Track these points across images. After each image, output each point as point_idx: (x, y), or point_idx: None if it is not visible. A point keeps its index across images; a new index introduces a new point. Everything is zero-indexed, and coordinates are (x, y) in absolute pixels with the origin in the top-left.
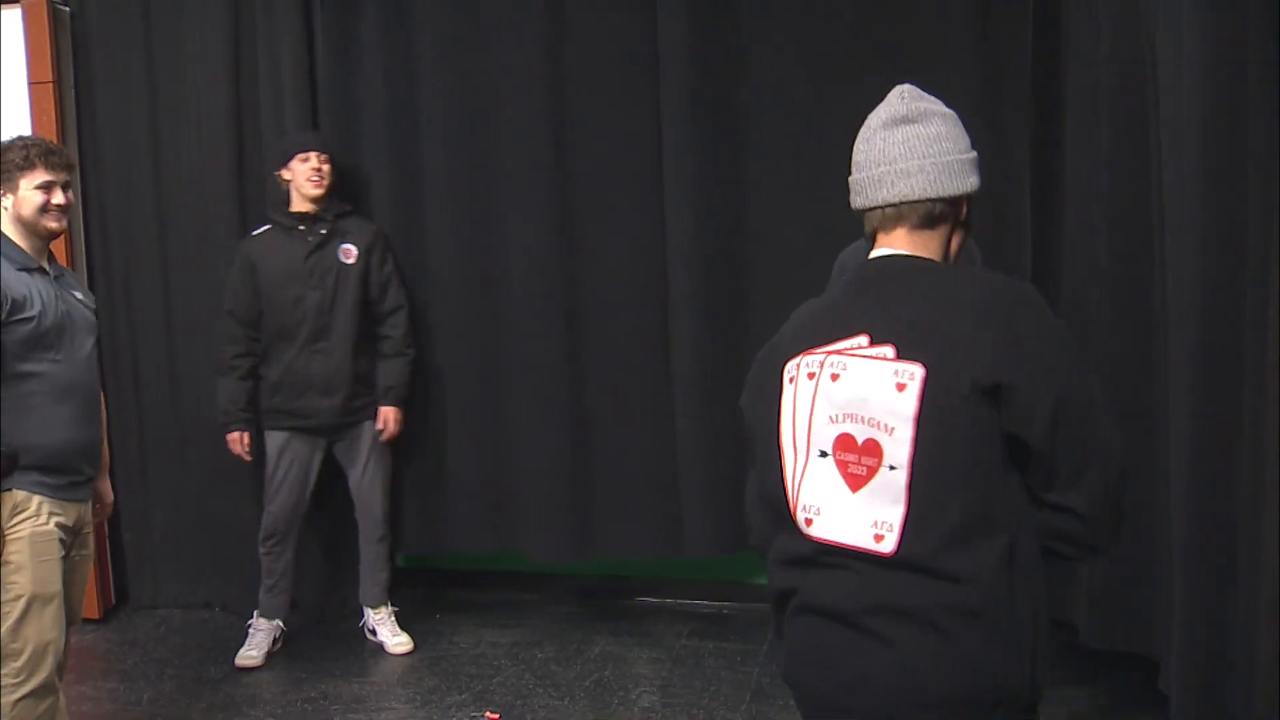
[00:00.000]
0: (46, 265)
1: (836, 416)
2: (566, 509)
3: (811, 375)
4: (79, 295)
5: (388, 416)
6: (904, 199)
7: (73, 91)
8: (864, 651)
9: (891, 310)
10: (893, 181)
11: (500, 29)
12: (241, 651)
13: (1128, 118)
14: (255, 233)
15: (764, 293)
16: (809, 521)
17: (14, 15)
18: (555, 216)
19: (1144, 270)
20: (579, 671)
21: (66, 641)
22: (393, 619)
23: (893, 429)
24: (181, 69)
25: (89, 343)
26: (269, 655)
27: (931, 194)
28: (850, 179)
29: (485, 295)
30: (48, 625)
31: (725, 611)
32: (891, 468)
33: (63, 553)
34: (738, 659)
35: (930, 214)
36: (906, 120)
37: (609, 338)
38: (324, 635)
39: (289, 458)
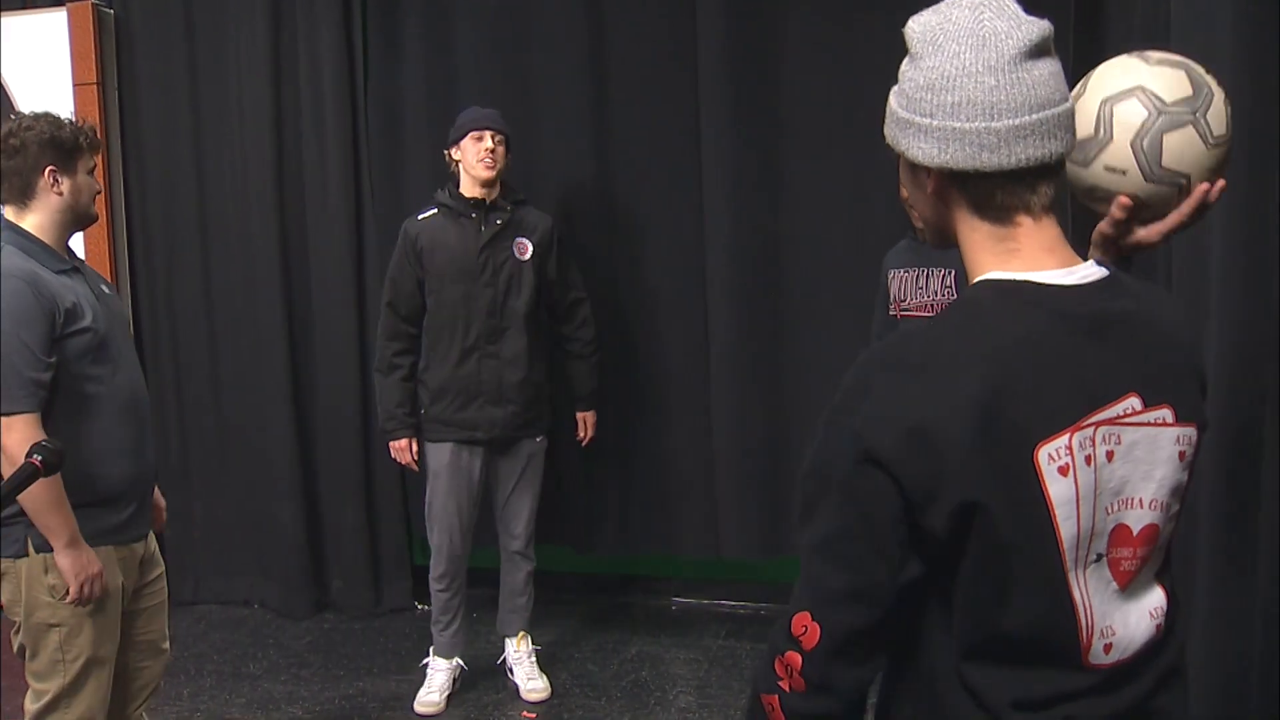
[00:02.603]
0: (73, 261)
1: (1112, 506)
2: (607, 505)
3: (1089, 459)
4: (106, 289)
5: (587, 422)
6: (1064, 154)
7: (116, 93)
8: None
9: (1152, 359)
10: (1052, 133)
11: (541, 27)
12: (421, 695)
13: None
14: (420, 216)
15: (802, 292)
16: (1107, 648)
17: (59, 18)
18: (595, 214)
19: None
20: (616, 672)
21: (154, 669)
22: (533, 658)
23: (1169, 506)
24: (223, 69)
25: (131, 344)
26: (447, 697)
27: (1069, 152)
28: (967, 126)
29: None
30: (102, 687)
31: (763, 612)
32: (1159, 548)
33: (125, 605)
34: None
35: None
36: (1044, 50)
37: (647, 337)
38: (363, 632)
39: (454, 476)
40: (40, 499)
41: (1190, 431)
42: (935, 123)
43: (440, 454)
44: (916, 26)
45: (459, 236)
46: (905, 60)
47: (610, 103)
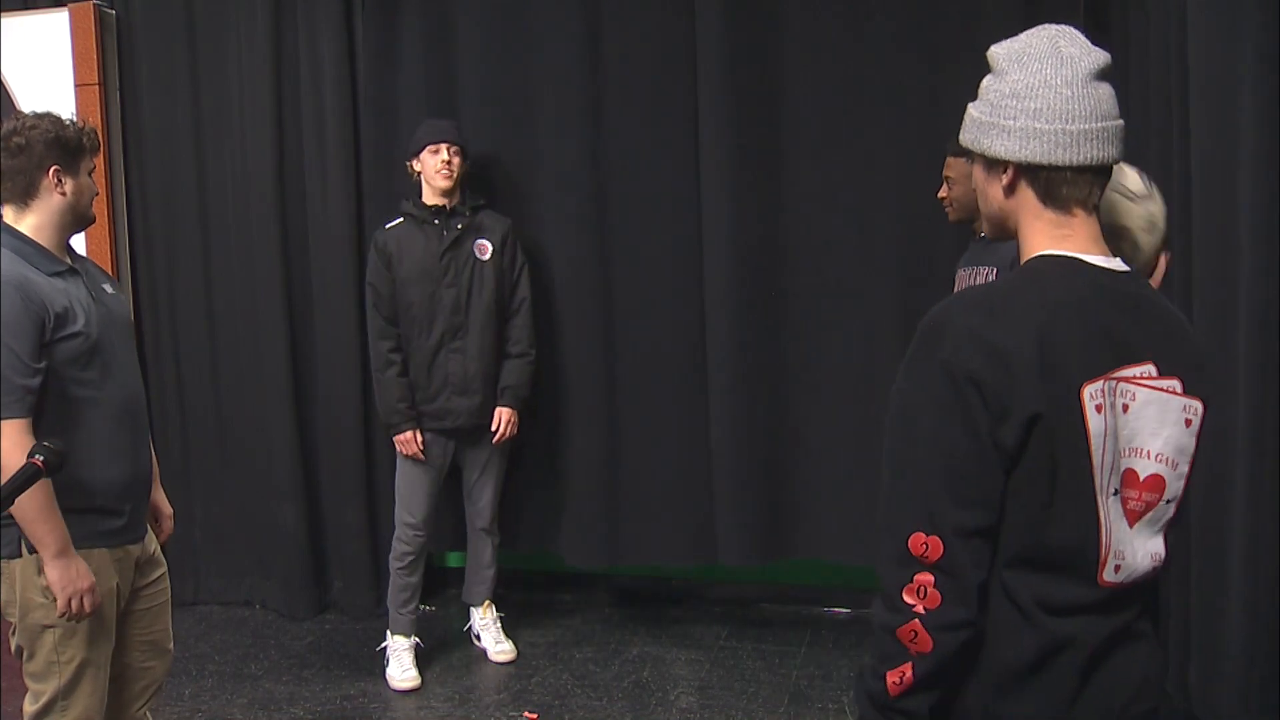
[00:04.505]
0: (72, 262)
1: (1124, 451)
2: (600, 513)
3: (1113, 405)
4: (109, 289)
5: (502, 417)
6: (1117, 160)
7: (118, 93)
8: (1140, 655)
9: (1167, 337)
10: (1111, 140)
11: (539, 27)
12: (397, 674)
13: (1168, 117)
14: (388, 226)
15: (801, 294)
16: (1118, 569)
17: (61, 19)
18: (592, 215)
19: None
20: (617, 672)
21: (158, 669)
22: (498, 624)
23: (1177, 464)
24: (224, 71)
25: (131, 346)
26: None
27: (1120, 160)
28: (1046, 127)
29: None
30: (99, 689)
31: (764, 613)
32: (1168, 501)
33: (121, 606)
34: (776, 660)
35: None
36: (1106, 75)
37: (644, 340)
38: (364, 633)
39: (423, 462)
40: (29, 508)
41: (1196, 404)
42: (1018, 124)
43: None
44: (1000, 50)
45: (423, 242)
46: (988, 77)
47: (608, 105)
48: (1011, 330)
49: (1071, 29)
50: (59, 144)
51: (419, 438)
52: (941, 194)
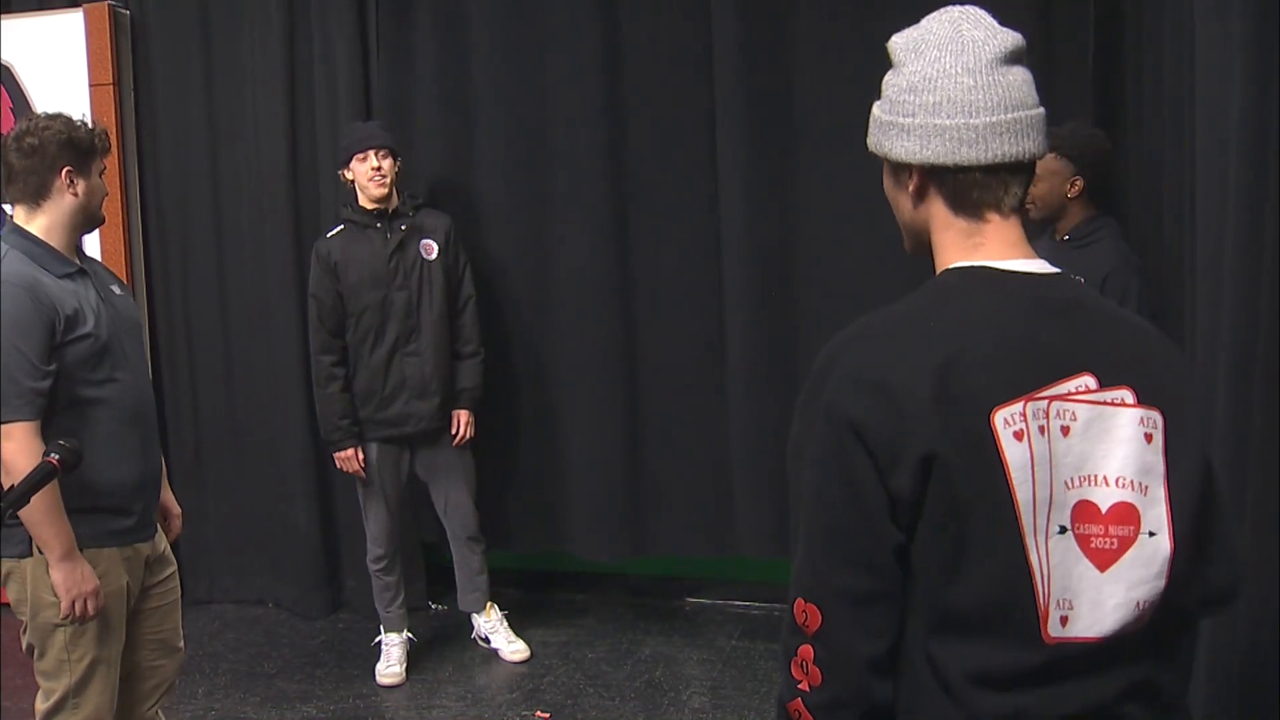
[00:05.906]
0: (80, 263)
1: (1073, 480)
2: (619, 507)
3: (1043, 429)
4: (116, 289)
5: (461, 419)
6: (1036, 155)
7: (132, 94)
8: None
9: (1109, 343)
10: (1026, 132)
11: (554, 28)
12: (381, 669)
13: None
14: (329, 234)
15: (818, 291)
16: (1064, 620)
17: (75, 19)
18: (609, 214)
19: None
20: (629, 672)
21: (168, 668)
22: (505, 624)
23: (1147, 487)
24: (238, 71)
25: (140, 347)
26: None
27: (1042, 155)
28: (947, 123)
29: (538, 293)
30: (109, 687)
31: (777, 613)
32: (1151, 534)
33: (131, 604)
34: None
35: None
36: (1018, 59)
37: (662, 336)
38: (376, 633)
39: (383, 471)
40: (36, 510)
41: (1154, 415)
42: (917, 121)
43: (369, 452)
44: (899, 40)
45: (368, 247)
46: (889, 72)
47: (623, 105)
48: (903, 361)
49: (977, 9)
50: (71, 145)
51: (359, 455)
52: None
